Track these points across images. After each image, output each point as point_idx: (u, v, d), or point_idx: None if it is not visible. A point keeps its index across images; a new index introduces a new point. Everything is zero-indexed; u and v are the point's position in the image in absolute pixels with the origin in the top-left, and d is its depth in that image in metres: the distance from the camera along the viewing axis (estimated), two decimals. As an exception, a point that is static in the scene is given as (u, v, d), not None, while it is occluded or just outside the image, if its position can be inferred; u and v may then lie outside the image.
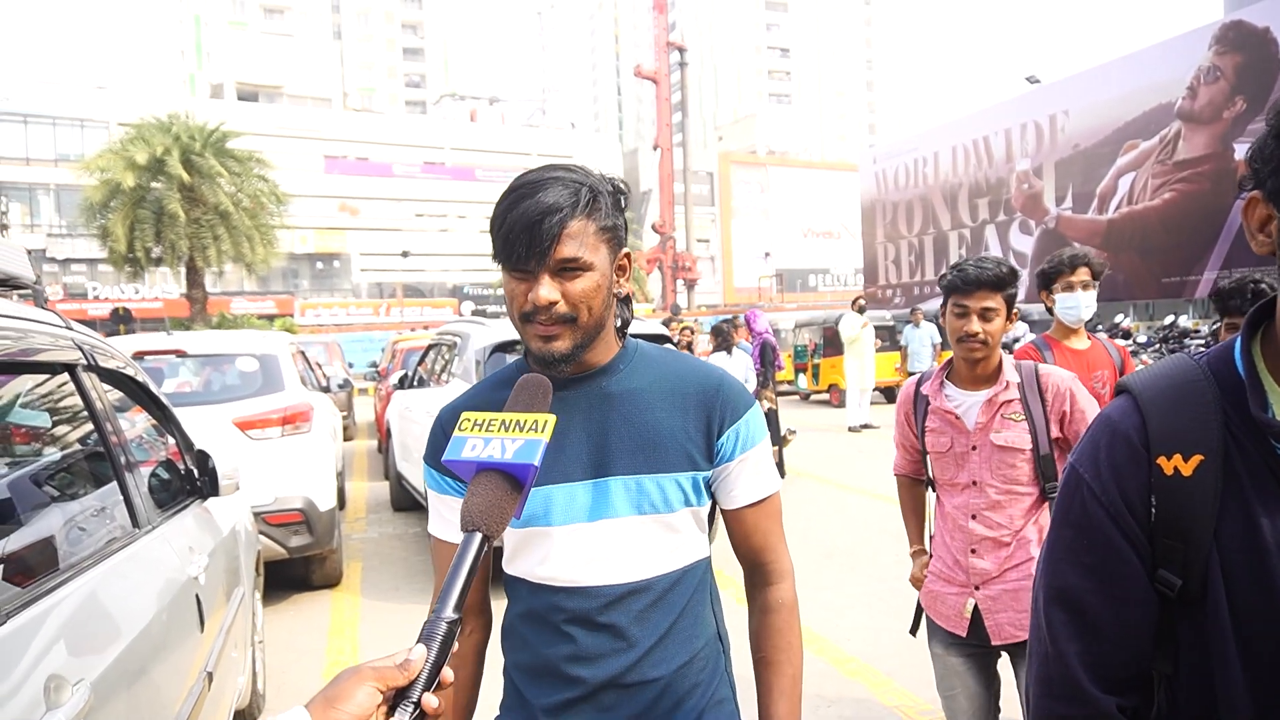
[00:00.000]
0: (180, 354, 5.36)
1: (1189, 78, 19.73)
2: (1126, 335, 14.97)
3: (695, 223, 50.07)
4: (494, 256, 1.22)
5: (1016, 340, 13.94)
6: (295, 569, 5.32)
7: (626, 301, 1.35)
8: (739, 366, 8.01)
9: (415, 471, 6.18)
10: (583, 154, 55.01)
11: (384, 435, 9.44)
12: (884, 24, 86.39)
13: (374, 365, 15.86)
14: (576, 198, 1.19)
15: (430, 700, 0.78)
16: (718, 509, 1.38)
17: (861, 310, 12.84)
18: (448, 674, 0.81)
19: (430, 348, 7.31)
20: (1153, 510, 0.89)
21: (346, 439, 12.07)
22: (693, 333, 11.54)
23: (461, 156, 55.21)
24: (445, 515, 1.34)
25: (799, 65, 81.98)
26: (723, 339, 8.16)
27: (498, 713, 1.38)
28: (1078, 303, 3.11)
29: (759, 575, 1.39)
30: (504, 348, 5.35)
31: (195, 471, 2.80)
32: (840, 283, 53.23)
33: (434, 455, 1.32)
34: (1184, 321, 15.74)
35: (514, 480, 0.93)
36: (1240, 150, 18.62)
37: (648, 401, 1.29)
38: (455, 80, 75.14)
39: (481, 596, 1.37)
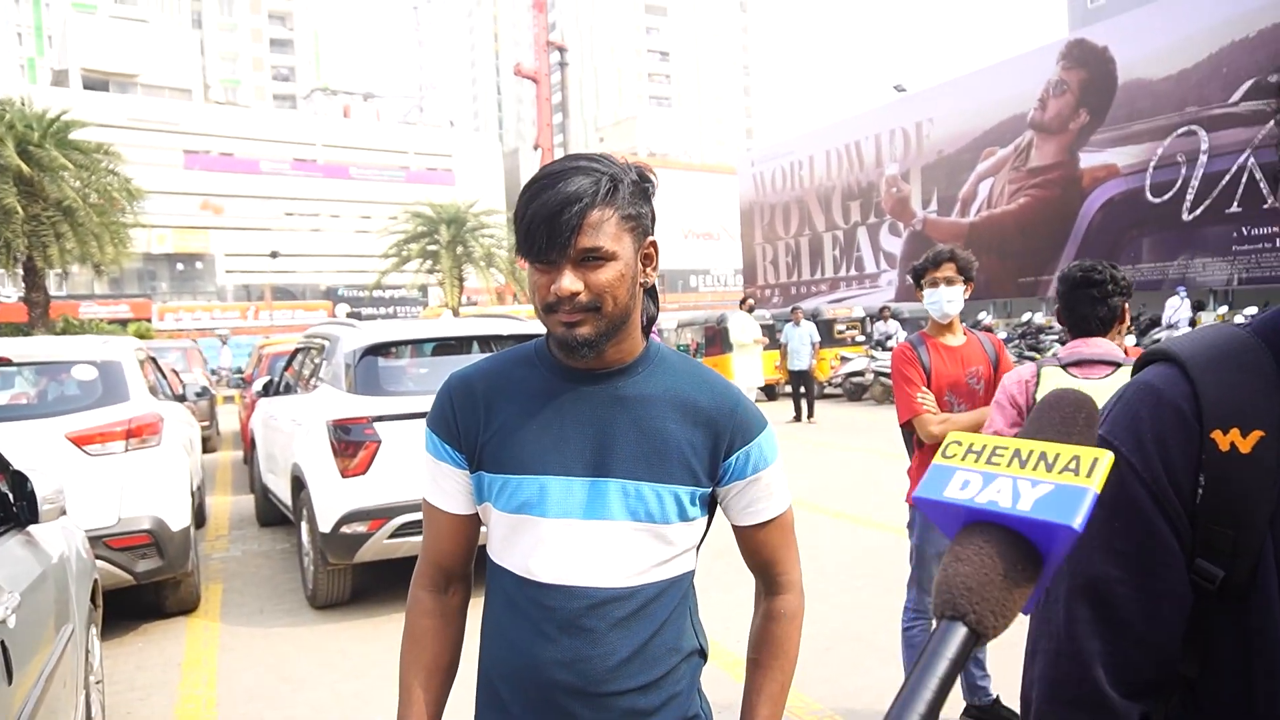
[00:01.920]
0: (4, 362, 4.82)
1: (1039, 91, 21.02)
2: (988, 331, 15.76)
3: (578, 224, 49.84)
4: (517, 249, 1.21)
5: (889, 338, 14.47)
6: (146, 595, 4.88)
7: (653, 294, 1.34)
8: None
9: (282, 483, 5.80)
10: (462, 153, 54.05)
11: (249, 445, 8.88)
12: (760, 31, 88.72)
13: (239, 371, 14.98)
14: (597, 187, 1.17)
15: None
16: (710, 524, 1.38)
17: (751, 310, 13.02)
18: None
19: (297, 351, 6.90)
20: (1200, 491, 0.79)
21: (209, 450, 11.32)
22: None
23: (334, 154, 53.16)
24: (443, 485, 1.33)
25: (678, 69, 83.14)
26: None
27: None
28: (940, 298, 3.15)
29: (768, 585, 1.41)
30: (376, 350, 5.07)
31: (10, 496, 2.46)
32: (721, 283, 54.21)
33: (435, 421, 1.32)
34: (1038, 318, 16.73)
35: (1029, 548, 0.62)
36: (1085, 159, 20.00)
37: (660, 410, 1.27)
38: (327, 74, 72.41)
39: (464, 562, 1.38)
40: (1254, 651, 0.78)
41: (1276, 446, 0.74)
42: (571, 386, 1.26)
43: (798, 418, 13.05)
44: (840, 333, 15.68)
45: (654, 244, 1.29)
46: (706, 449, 1.29)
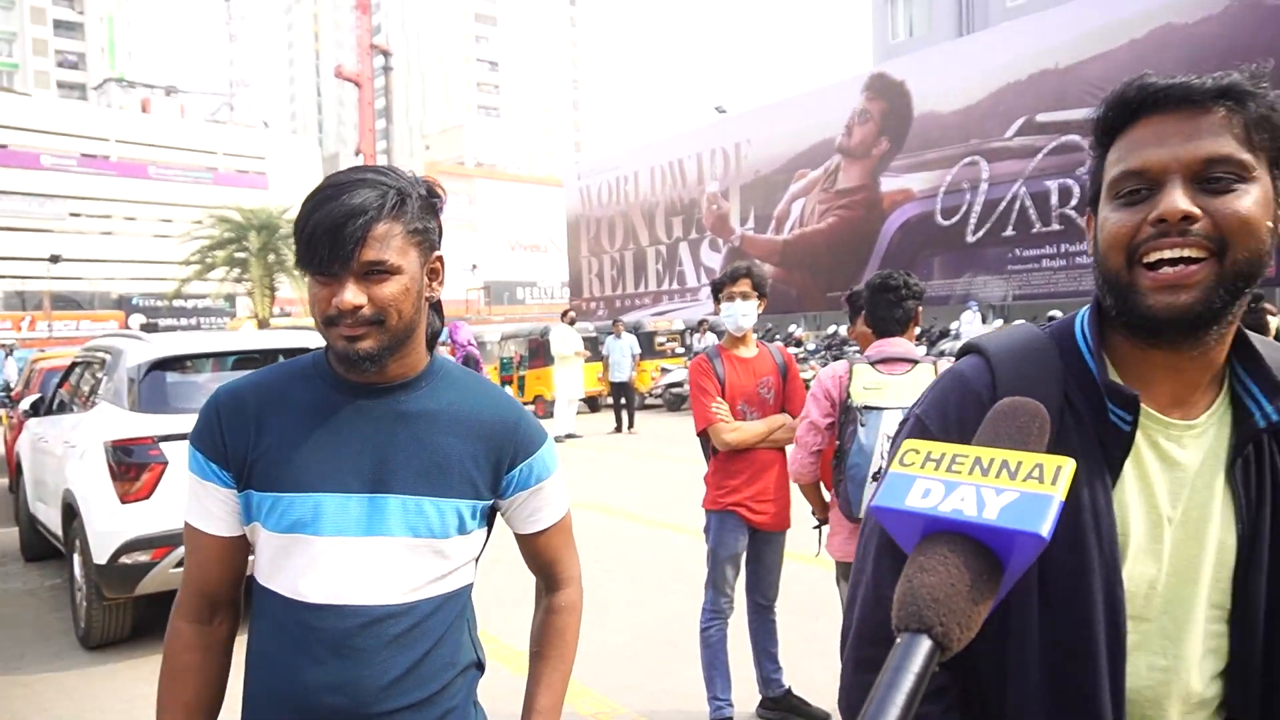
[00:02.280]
0: None
1: (846, 118, 22.51)
2: (798, 343, 16.67)
3: (402, 232, 48.37)
4: (297, 261, 1.18)
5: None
6: (-125, 645, 4.27)
7: (438, 308, 1.34)
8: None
9: (52, 512, 5.25)
10: (277, 155, 51.26)
11: (13, 471, 7.97)
12: (590, 46, 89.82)
13: (6, 389, 13.44)
14: (383, 200, 1.16)
15: None
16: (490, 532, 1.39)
17: (572, 323, 13.08)
18: None
19: (74, 366, 6.28)
20: None
21: (-32, 477, 10.07)
22: None
23: (131, 150, 48.91)
24: (208, 506, 1.28)
25: (508, 79, 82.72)
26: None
27: None
28: (736, 311, 3.32)
29: (550, 582, 1.45)
30: (164, 365, 4.71)
31: None
32: (548, 295, 54.17)
33: (200, 437, 1.27)
34: (843, 331, 17.88)
35: (992, 559, 0.60)
36: (885, 183, 21.56)
37: (443, 425, 1.27)
38: (124, 65, 66.59)
39: (231, 589, 1.31)
40: (1012, 607, 0.87)
41: (1055, 425, 0.80)
42: (350, 401, 1.24)
43: (619, 428, 13.24)
44: (661, 345, 16.08)
45: (440, 259, 1.29)
46: (489, 463, 1.29)
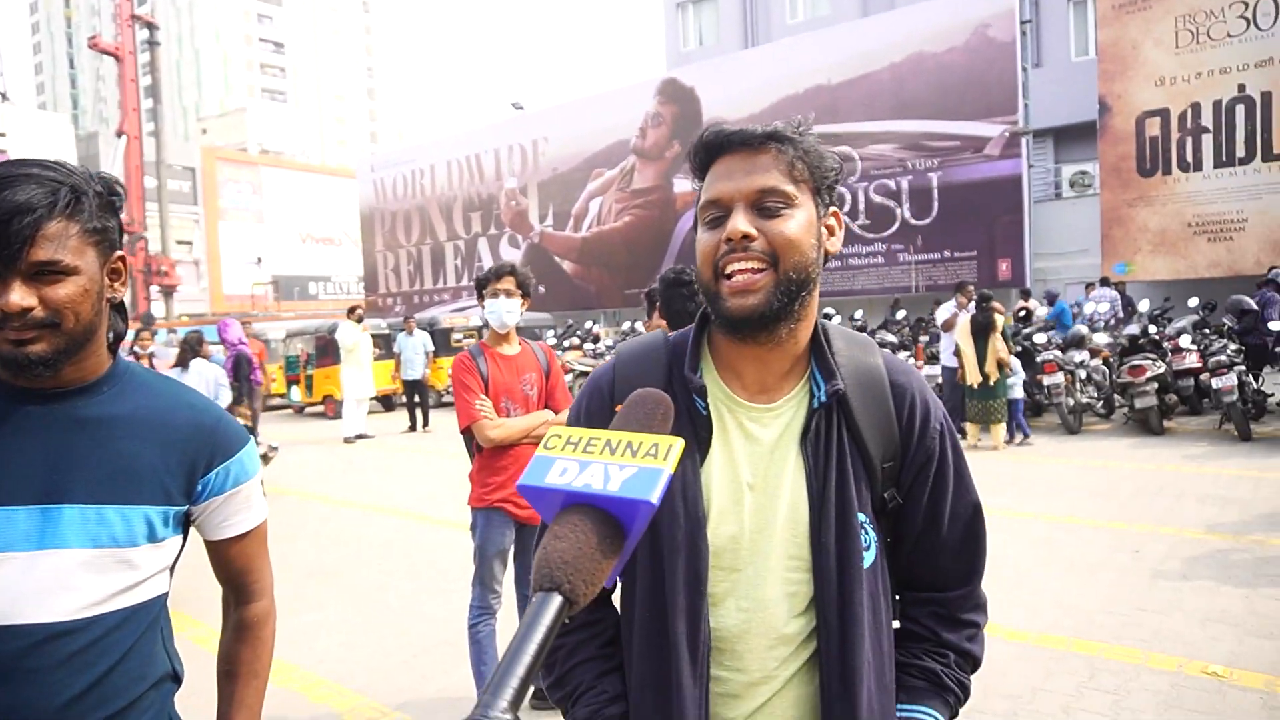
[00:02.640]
0: None
1: (640, 121, 23.11)
2: (596, 339, 16.96)
3: (176, 223, 44.47)
4: None
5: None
6: None
7: (121, 310, 1.28)
8: (203, 380, 7.20)
9: None
10: (20, 133, 45.74)
11: None
12: (384, 33, 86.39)
13: None
14: (55, 197, 1.11)
15: None
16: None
17: (360, 320, 12.60)
18: None
19: None
20: None
21: None
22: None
23: None
24: None
25: (295, 63, 78.02)
26: (187, 351, 7.26)
27: None
28: (499, 308, 3.39)
29: (241, 594, 1.41)
30: None
31: None
32: (343, 291, 51.75)
33: None
34: (640, 326, 18.41)
35: (614, 524, 0.69)
36: (677, 185, 22.37)
37: (128, 429, 1.22)
38: None
39: None
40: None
41: None
42: (18, 408, 1.17)
43: (413, 427, 12.95)
44: (457, 342, 15.82)
45: (123, 259, 1.24)
46: (182, 467, 1.26)
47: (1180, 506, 6.22)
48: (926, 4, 18.45)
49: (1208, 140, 15.32)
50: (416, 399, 12.96)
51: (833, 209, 1.15)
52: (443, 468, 9.72)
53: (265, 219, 53.86)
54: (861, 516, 1.10)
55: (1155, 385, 9.04)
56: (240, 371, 8.20)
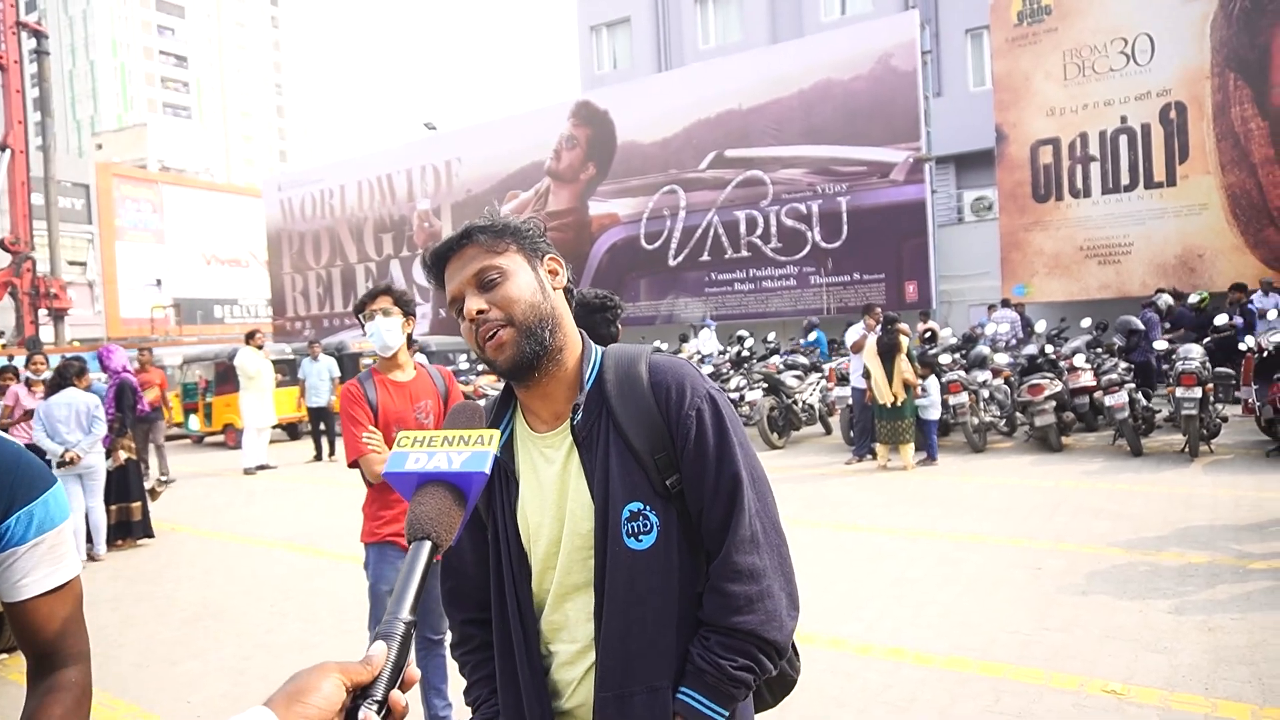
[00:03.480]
0: None
1: (555, 142, 23.03)
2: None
3: (67, 242, 42.11)
4: None
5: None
6: None
7: None
8: (71, 411, 6.71)
9: None
10: (-108, 145, 42.71)
11: None
12: (294, 49, 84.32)
13: None
14: None
15: (399, 697, 0.76)
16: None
17: (259, 346, 12.07)
18: (414, 672, 0.80)
19: None
20: None
21: None
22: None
23: None
24: None
25: (199, 77, 75.40)
26: (59, 379, 6.77)
27: None
28: (378, 328, 3.21)
29: (50, 660, 1.21)
30: None
31: None
32: (251, 314, 49.93)
33: None
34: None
35: (458, 492, 0.96)
36: (594, 207, 22.36)
37: None
38: None
39: None
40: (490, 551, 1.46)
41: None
42: None
43: (318, 456, 12.46)
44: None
45: None
46: None
47: (1078, 522, 6.39)
48: (833, 33, 18.99)
49: (1095, 168, 16.11)
50: (322, 426, 12.49)
51: (549, 255, 1.40)
52: (348, 499, 9.34)
53: (166, 239, 51.58)
54: (636, 504, 1.31)
55: (1054, 403, 9.35)
56: (124, 400, 7.71)
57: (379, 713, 0.74)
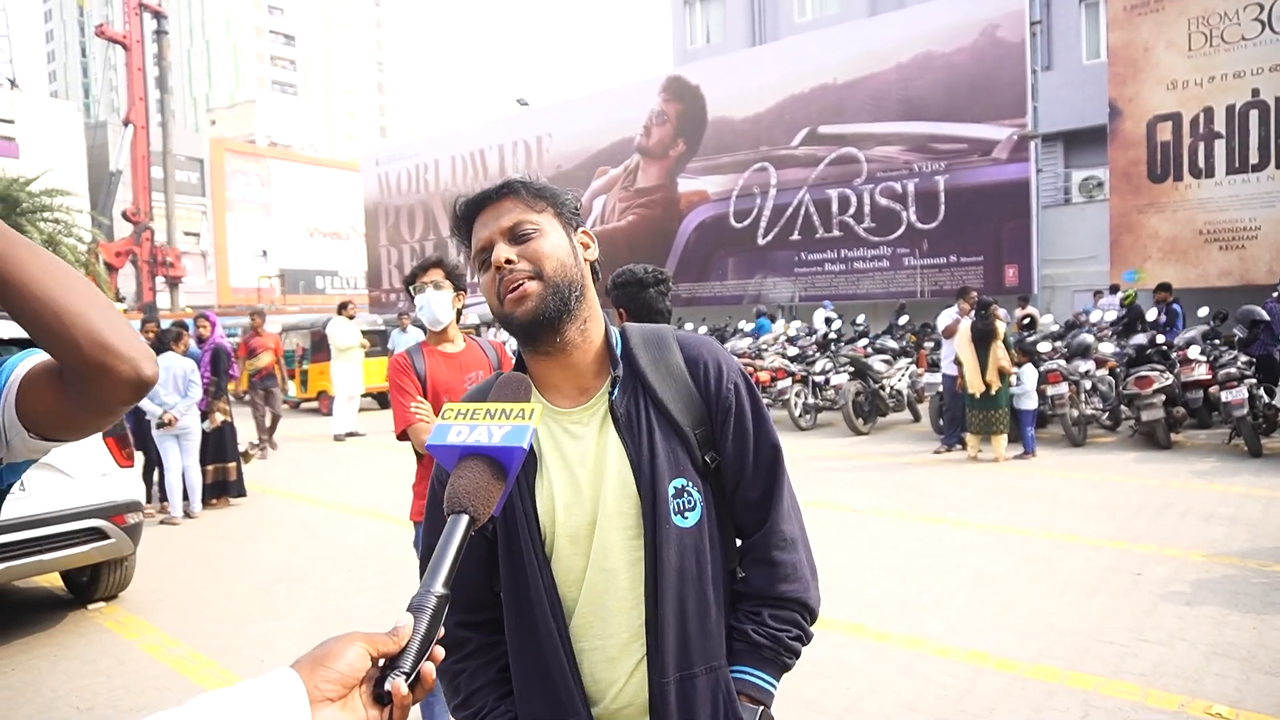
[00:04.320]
0: None
1: (645, 119, 22.87)
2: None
3: (183, 214, 44.35)
4: None
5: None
6: None
7: None
8: (169, 374, 7.02)
9: None
10: (28, 120, 45.67)
11: None
12: (395, 28, 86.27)
13: None
14: None
15: (429, 670, 0.78)
16: None
17: (351, 316, 12.39)
18: (438, 650, 0.80)
19: None
20: None
21: None
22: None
23: None
24: None
25: (305, 55, 77.93)
26: (160, 344, 7.11)
27: None
28: (428, 301, 3.15)
29: None
30: None
31: None
32: (350, 285, 51.63)
33: None
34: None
35: (498, 465, 0.96)
36: (682, 184, 22.14)
37: None
38: None
39: None
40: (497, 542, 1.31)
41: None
42: None
43: (405, 426, 12.74)
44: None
45: None
46: None
47: (1186, 526, 5.96)
48: (935, 3, 18.15)
49: (1220, 146, 15.00)
50: (408, 396, 12.74)
51: (581, 229, 1.36)
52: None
53: (273, 212, 53.78)
54: (681, 481, 1.28)
55: (1163, 397, 8.77)
56: (219, 365, 8.00)
57: (407, 684, 0.76)
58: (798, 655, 1.34)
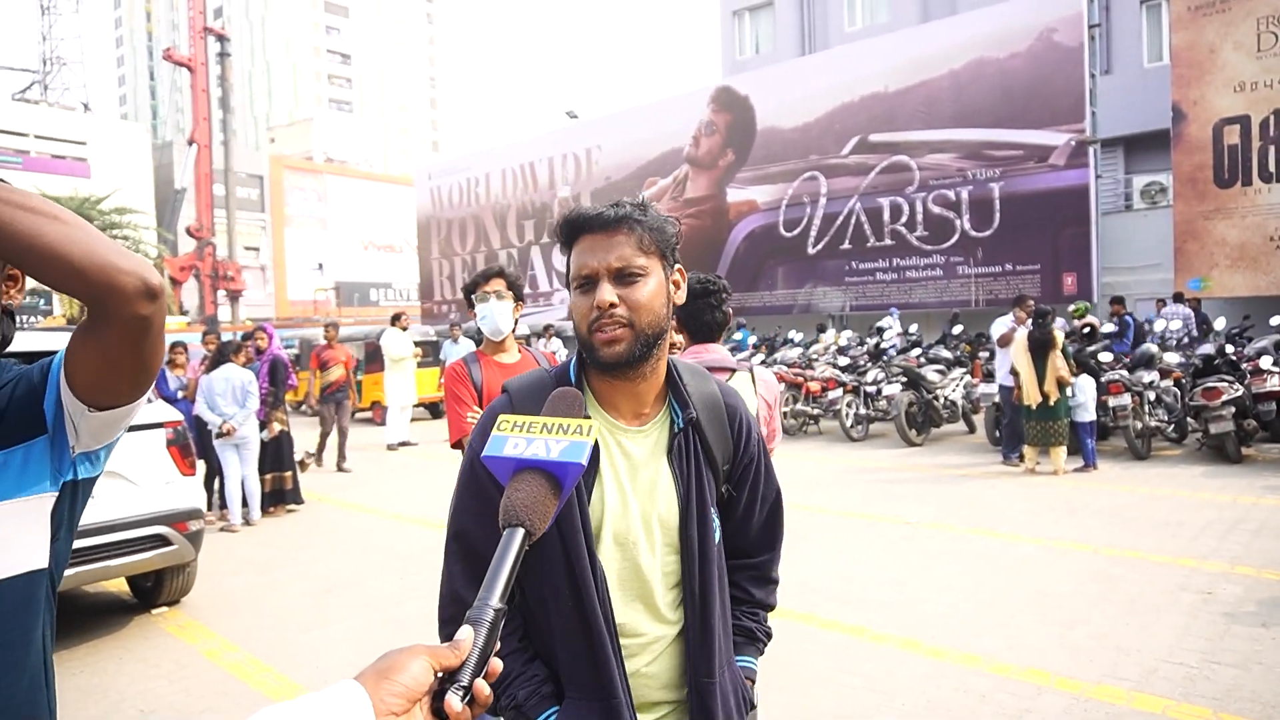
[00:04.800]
0: None
1: (694, 129, 22.88)
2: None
3: (244, 229, 45.62)
4: None
5: (555, 355, 14.81)
6: None
7: (11, 316, 1.26)
8: (228, 385, 7.22)
9: None
10: (100, 141, 47.42)
11: None
12: (447, 44, 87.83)
13: None
14: None
15: (483, 686, 0.78)
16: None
17: (404, 327, 12.58)
18: (495, 663, 0.81)
19: None
20: None
21: None
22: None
23: (-78, 128, 43.93)
24: None
25: (361, 73, 79.71)
26: (220, 355, 7.34)
27: None
28: (490, 311, 3.17)
29: None
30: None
31: None
32: (403, 297, 52.50)
33: None
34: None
35: (554, 480, 0.97)
36: (731, 194, 22.08)
37: None
38: (-84, 32, 59.64)
39: None
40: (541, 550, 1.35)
41: None
42: None
43: (457, 436, 12.87)
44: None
45: (15, 273, 1.22)
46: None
47: (1259, 543, 5.72)
48: (989, 9, 17.85)
49: (1292, 149, 14.47)
50: (460, 407, 12.87)
51: (677, 266, 1.45)
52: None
53: (329, 226, 55.00)
54: (712, 509, 1.45)
55: (1232, 409, 8.45)
56: (276, 376, 8.18)
57: (463, 698, 0.76)
58: None
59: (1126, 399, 8.83)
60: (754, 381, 2.76)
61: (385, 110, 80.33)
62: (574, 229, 1.38)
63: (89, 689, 4.23)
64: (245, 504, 7.70)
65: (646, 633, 1.41)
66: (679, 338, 2.93)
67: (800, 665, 4.04)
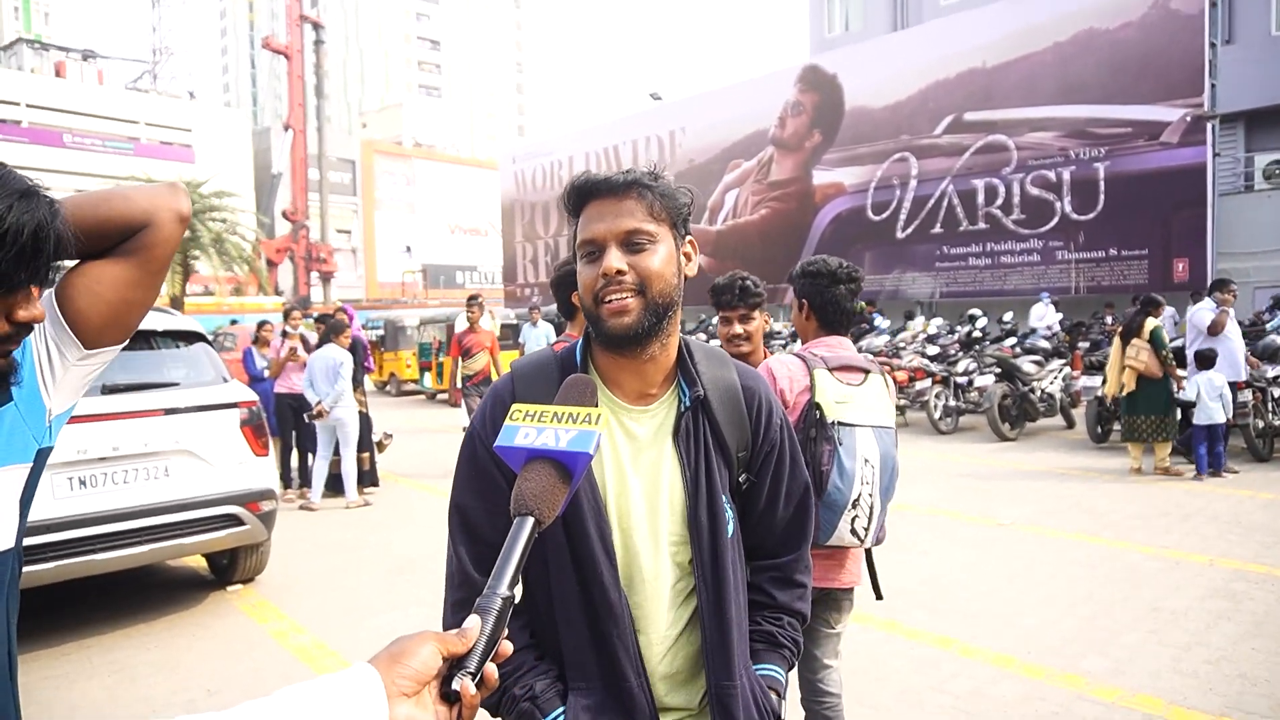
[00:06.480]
0: None
1: (780, 110, 22.33)
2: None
3: (336, 212, 47.02)
4: None
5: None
6: None
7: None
8: (323, 362, 7.38)
9: None
10: (203, 128, 49.39)
11: None
12: (533, 29, 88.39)
13: None
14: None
15: (492, 670, 0.81)
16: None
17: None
18: (506, 646, 0.83)
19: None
20: None
21: None
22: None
23: (44, 116, 46.45)
24: None
25: (450, 59, 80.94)
26: (327, 334, 7.58)
27: None
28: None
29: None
30: None
31: None
32: (488, 280, 53.24)
33: None
34: (774, 324, 17.70)
35: (564, 469, 0.96)
36: (818, 176, 21.50)
37: None
38: (39, 27, 63.29)
39: None
40: (545, 541, 1.29)
41: None
42: None
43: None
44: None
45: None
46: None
47: (1404, 559, 5.14)
48: (1099, -23, 16.81)
49: None
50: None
51: (688, 238, 1.38)
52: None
53: (417, 209, 56.20)
54: (724, 496, 1.35)
55: (1369, 409, 7.70)
56: (355, 357, 8.24)
57: (473, 684, 0.79)
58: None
59: (1247, 395, 8.15)
60: (887, 384, 2.53)
61: (472, 95, 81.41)
62: (581, 195, 1.32)
63: (161, 663, 4.26)
64: (340, 483, 7.77)
65: (653, 629, 1.33)
66: (780, 325, 2.65)
67: (884, 679, 3.77)
